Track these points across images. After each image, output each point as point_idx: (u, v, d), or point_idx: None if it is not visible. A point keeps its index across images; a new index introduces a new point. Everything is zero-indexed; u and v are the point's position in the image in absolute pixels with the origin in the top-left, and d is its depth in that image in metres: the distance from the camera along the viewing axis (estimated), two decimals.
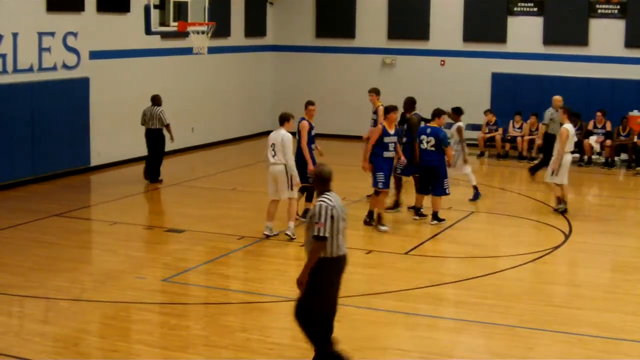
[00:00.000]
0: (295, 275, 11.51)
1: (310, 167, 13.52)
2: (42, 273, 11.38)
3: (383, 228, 13.62)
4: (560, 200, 15.19)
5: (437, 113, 14.32)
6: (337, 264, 7.84)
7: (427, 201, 14.53)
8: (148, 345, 8.82)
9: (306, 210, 14.01)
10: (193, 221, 14.44)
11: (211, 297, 10.59)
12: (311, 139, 13.98)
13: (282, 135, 12.86)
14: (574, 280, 11.84)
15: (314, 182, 8.01)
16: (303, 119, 14.03)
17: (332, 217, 7.63)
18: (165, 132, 17.48)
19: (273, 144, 12.94)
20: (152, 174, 17.46)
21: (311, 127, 14.01)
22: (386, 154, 13.57)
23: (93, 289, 10.88)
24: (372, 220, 13.91)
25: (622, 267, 12.30)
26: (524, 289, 11.10)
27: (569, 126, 14.93)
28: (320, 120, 21.94)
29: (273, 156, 12.92)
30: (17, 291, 10.51)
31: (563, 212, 15.03)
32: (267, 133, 18.53)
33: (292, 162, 12.87)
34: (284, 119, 13.02)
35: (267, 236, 13.10)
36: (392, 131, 13.61)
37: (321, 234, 7.55)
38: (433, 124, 14.19)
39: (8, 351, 8.61)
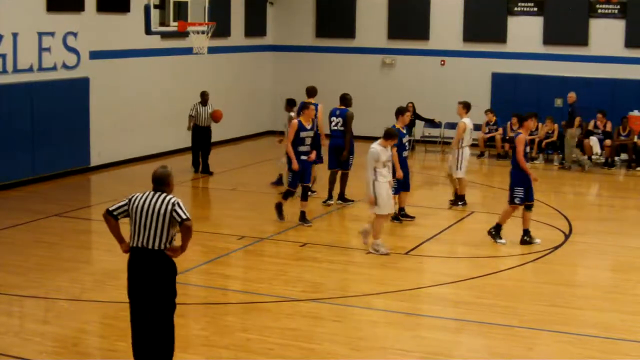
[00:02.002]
0: (295, 275, 11.59)
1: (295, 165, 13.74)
2: (42, 273, 11.38)
3: (537, 240, 13.01)
4: (457, 194, 15.59)
5: (400, 111, 14.28)
6: (131, 255, 7.84)
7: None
8: None
9: (302, 213, 14.03)
10: (193, 221, 14.39)
11: (211, 297, 10.59)
12: (300, 140, 13.92)
13: (369, 151, 12.30)
14: (574, 280, 11.83)
15: None
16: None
17: (131, 207, 7.75)
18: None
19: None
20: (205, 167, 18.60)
21: (301, 129, 13.89)
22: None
23: (93, 289, 10.87)
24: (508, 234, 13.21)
25: (622, 267, 12.30)
26: (524, 289, 11.10)
27: (467, 120, 15.38)
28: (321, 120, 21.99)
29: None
30: (17, 291, 10.51)
31: (463, 205, 15.46)
32: (267, 133, 18.59)
33: (370, 178, 12.24)
34: (386, 135, 12.39)
35: (387, 254, 12.41)
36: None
37: (109, 207, 7.89)
38: (398, 124, 14.07)
39: (8, 351, 8.61)
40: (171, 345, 7.96)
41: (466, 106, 15.61)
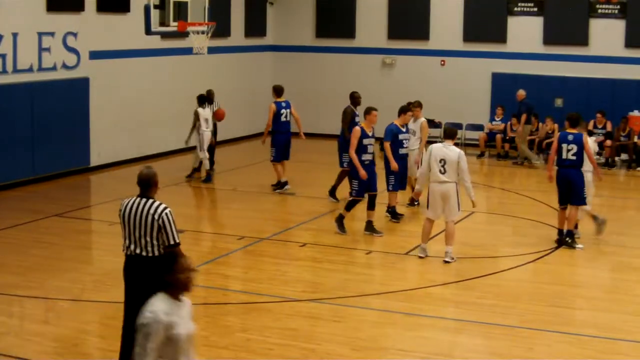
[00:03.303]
0: (295, 275, 11.60)
1: (362, 173, 13.01)
2: (42, 273, 11.38)
3: (579, 246, 12.91)
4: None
5: (403, 110, 14.27)
6: (126, 264, 7.89)
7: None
8: None
9: (369, 222, 13.43)
10: (193, 221, 14.43)
11: (211, 297, 10.59)
12: (363, 148, 13.17)
13: (459, 153, 11.73)
14: (574, 280, 11.83)
15: None
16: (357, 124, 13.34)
17: (121, 215, 7.80)
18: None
19: (443, 159, 11.78)
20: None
21: (364, 135, 13.11)
22: (585, 168, 12.99)
23: (93, 289, 10.88)
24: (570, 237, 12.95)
25: (622, 267, 12.30)
26: (524, 289, 11.11)
27: (424, 119, 15.41)
28: (320, 121, 22.00)
29: (443, 173, 11.78)
30: (17, 291, 10.51)
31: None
32: (267, 133, 18.57)
33: (470, 183, 11.87)
34: (452, 134, 12.09)
35: (420, 257, 12.24)
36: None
37: None
38: (397, 121, 14.12)
39: (8, 351, 8.61)
40: None
41: (421, 106, 15.40)
